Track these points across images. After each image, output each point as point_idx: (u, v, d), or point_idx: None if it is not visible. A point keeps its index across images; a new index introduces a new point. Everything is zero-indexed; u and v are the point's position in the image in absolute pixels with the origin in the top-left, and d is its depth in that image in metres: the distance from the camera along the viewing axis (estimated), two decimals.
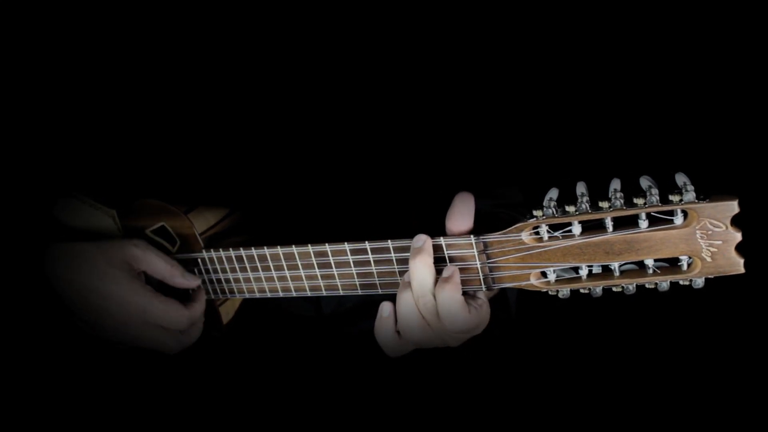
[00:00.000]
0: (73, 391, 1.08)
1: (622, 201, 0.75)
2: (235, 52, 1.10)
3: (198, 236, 1.06)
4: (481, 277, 0.86)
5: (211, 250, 1.04)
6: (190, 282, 1.04)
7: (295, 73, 1.11)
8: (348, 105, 1.12)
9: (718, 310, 1.29)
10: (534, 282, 0.83)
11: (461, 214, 0.85)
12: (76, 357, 1.07)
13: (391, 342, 0.89)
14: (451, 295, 0.82)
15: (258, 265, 1.01)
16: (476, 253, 0.85)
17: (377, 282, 0.93)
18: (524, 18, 1.19)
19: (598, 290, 0.81)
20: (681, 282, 0.77)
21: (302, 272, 0.98)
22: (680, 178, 0.74)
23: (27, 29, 1.05)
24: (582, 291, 0.82)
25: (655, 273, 0.78)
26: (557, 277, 0.82)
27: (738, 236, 0.72)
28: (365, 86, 1.12)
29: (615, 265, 0.79)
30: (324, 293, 0.98)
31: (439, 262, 0.86)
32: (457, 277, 0.84)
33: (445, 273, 0.84)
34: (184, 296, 1.06)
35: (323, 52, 1.11)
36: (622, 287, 0.79)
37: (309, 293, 0.99)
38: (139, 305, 0.99)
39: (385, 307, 0.89)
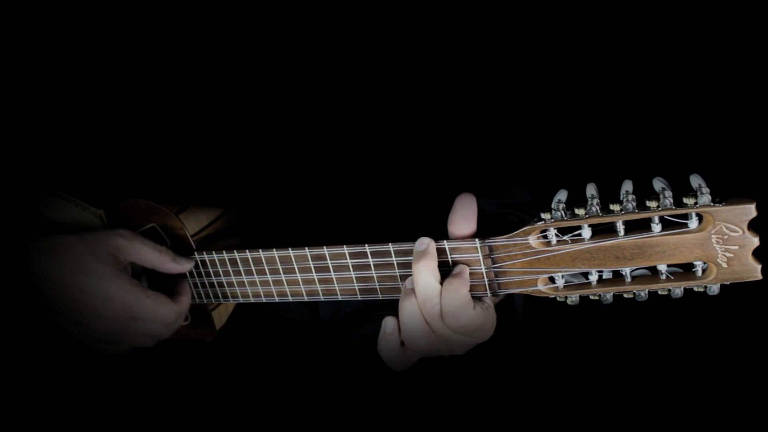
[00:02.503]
0: (58, 395, 1.07)
1: (634, 204, 0.73)
2: (228, 49, 1.10)
3: (190, 238, 1.04)
4: (486, 283, 0.84)
5: (204, 252, 1.02)
6: (183, 266, 1.01)
7: (294, 70, 1.11)
8: (347, 100, 1.11)
9: (733, 319, 1.28)
10: (542, 288, 0.81)
11: (463, 218, 0.83)
12: (63, 360, 1.06)
13: (396, 356, 0.87)
14: (456, 288, 0.80)
15: (252, 268, 0.98)
16: (481, 258, 0.82)
17: (377, 287, 0.91)
18: (532, 14, 1.17)
19: (609, 296, 0.79)
20: (695, 289, 0.75)
21: (299, 276, 0.95)
22: (695, 180, 0.72)
23: (16, 28, 1.04)
24: (592, 297, 0.80)
25: (668, 279, 0.76)
26: (566, 282, 0.81)
27: (755, 241, 0.70)
28: (363, 82, 1.11)
29: (626, 271, 0.77)
30: (321, 298, 0.96)
31: (443, 266, 0.84)
32: (467, 274, 0.82)
33: (455, 271, 0.83)
34: (168, 290, 1.03)
35: (321, 49, 1.10)
36: (634, 294, 0.78)
37: (306, 298, 0.97)
38: (125, 301, 0.97)
39: (389, 323, 0.86)
